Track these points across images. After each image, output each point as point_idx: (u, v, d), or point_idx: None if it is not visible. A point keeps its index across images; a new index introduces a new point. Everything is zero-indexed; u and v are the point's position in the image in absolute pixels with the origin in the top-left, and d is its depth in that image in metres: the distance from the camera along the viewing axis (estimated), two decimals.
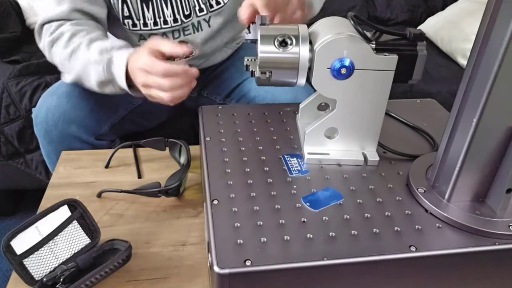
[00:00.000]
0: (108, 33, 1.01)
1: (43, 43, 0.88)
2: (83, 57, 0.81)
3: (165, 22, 0.95)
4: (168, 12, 0.94)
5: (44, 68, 1.40)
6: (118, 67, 0.76)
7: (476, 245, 0.47)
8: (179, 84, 0.70)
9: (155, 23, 0.94)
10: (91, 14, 0.88)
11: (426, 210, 0.52)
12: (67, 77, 0.89)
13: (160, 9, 0.93)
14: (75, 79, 0.86)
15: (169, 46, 0.70)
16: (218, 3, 0.97)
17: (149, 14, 0.93)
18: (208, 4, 0.97)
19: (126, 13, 0.91)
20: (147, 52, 0.71)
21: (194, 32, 0.99)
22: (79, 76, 0.84)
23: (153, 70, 0.69)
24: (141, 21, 0.93)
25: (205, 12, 0.97)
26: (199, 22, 0.98)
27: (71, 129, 0.89)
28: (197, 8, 0.96)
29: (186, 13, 0.95)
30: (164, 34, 0.97)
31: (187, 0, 0.94)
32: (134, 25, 0.93)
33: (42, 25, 0.87)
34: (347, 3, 1.94)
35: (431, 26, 1.85)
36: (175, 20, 0.95)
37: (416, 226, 0.49)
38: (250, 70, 0.57)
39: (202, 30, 0.99)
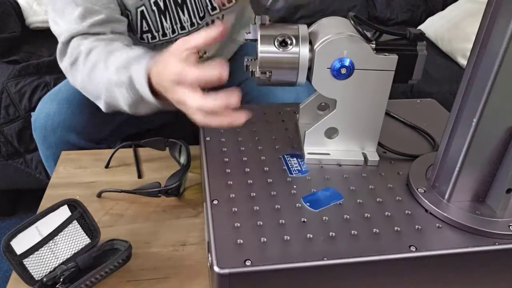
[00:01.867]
0: None
1: (65, 65, 0.79)
2: (103, 78, 0.71)
3: (182, 27, 0.94)
4: (185, 18, 0.93)
5: (43, 68, 1.40)
6: (140, 83, 0.66)
7: (476, 245, 0.47)
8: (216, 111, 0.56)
9: (173, 31, 0.94)
10: (113, 30, 0.81)
11: (426, 210, 0.52)
12: (100, 105, 0.77)
13: (177, 17, 0.93)
14: (106, 104, 0.75)
15: (200, 37, 0.57)
16: (230, 1, 0.98)
17: (167, 24, 0.92)
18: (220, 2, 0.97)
19: (145, 28, 0.90)
20: (174, 58, 0.59)
21: None
22: (107, 102, 0.74)
23: (186, 79, 0.57)
24: (160, 32, 0.92)
25: (218, 10, 0.97)
26: (212, 20, 0.98)
27: (70, 137, 0.89)
28: (209, 7, 0.96)
29: (201, 14, 0.95)
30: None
31: (200, 1, 0.94)
32: (153, 37, 0.93)
33: (68, 42, 0.78)
34: (347, 3, 1.94)
35: (431, 26, 1.85)
36: (192, 24, 0.95)
37: (416, 226, 0.49)
38: (250, 70, 0.57)
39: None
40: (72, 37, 0.78)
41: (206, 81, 0.55)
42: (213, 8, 0.97)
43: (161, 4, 0.90)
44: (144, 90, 0.65)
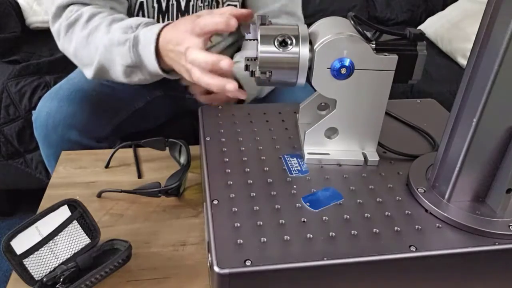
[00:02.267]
0: None
1: (58, 27, 0.78)
2: (104, 39, 0.70)
3: None
4: None
5: (43, 68, 1.40)
6: (145, 46, 0.65)
7: (476, 245, 0.47)
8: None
9: None
10: (112, 7, 0.81)
11: (426, 210, 0.52)
12: (87, 71, 0.77)
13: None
14: (97, 69, 0.74)
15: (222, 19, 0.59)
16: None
17: None
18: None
19: None
20: (190, 29, 0.61)
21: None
22: (101, 64, 0.72)
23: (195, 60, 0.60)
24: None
25: None
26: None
27: (71, 134, 0.89)
28: None
29: None
30: None
31: (201, 9, 0.94)
32: None
33: (65, 7, 0.77)
34: (347, 3, 1.94)
35: (431, 26, 1.85)
36: None
37: (416, 226, 0.49)
38: (250, 70, 0.57)
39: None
40: (71, 3, 0.77)
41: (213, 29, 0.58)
42: None
43: (164, 4, 0.89)
44: (148, 54, 0.64)
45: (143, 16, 0.88)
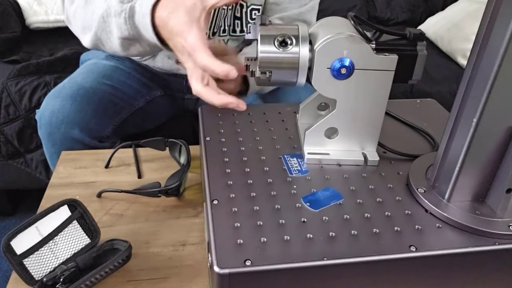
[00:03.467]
0: None
1: None
2: (101, 7, 0.67)
3: None
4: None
5: (43, 68, 1.40)
6: (142, 17, 0.61)
7: (476, 245, 0.47)
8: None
9: None
10: None
11: (426, 210, 0.52)
12: (85, 38, 0.74)
13: None
14: (94, 39, 0.71)
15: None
16: (242, 31, 0.97)
17: None
18: (231, 28, 0.96)
19: None
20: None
21: None
22: (98, 35, 0.69)
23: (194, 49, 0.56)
24: None
25: (226, 34, 0.97)
26: (219, 41, 0.98)
27: (74, 132, 0.89)
28: (221, 28, 0.96)
29: (214, 30, 0.95)
30: None
31: (218, 20, 0.93)
32: None
33: None
34: (347, 3, 1.94)
35: (431, 26, 1.85)
36: None
37: (416, 226, 0.49)
38: (250, 70, 0.57)
39: None
40: None
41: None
42: (224, 31, 0.97)
43: None
44: (144, 24, 0.61)
45: None
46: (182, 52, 0.59)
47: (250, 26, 0.58)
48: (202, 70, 0.58)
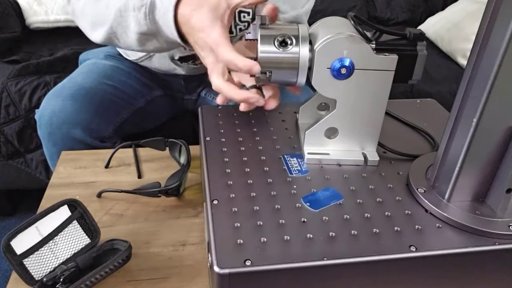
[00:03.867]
0: None
1: None
2: (118, 1, 0.65)
3: None
4: None
5: (43, 68, 1.40)
6: (164, 11, 0.61)
7: (476, 245, 0.47)
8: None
9: None
10: None
11: (426, 210, 0.52)
12: (96, 33, 0.71)
13: None
14: (108, 33, 0.69)
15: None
16: (230, 32, 0.96)
17: None
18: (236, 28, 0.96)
19: None
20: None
21: None
22: (113, 30, 0.68)
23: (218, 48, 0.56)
24: None
25: (234, 34, 0.97)
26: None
27: (75, 132, 0.89)
28: (232, 28, 0.95)
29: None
30: None
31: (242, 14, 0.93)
32: None
33: None
34: (347, 3, 1.94)
35: (431, 26, 1.85)
36: None
37: (416, 226, 0.49)
38: None
39: None
40: None
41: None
42: (231, 32, 0.97)
43: None
44: (166, 21, 0.60)
45: None
46: (203, 48, 0.59)
47: (250, 26, 0.58)
48: (225, 65, 0.58)
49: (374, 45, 0.53)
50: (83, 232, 0.61)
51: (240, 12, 0.94)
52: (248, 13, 0.95)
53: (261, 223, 0.49)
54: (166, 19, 0.61)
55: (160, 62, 1.02)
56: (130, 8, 0.64)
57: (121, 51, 1.10)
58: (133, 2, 0.64)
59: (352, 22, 0.55)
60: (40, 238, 0.57)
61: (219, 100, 0.64)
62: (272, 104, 0.62)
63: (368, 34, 0.55)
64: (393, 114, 0.70)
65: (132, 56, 1.06)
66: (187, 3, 0.60)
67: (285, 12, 0.93)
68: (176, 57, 0.99)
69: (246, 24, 0.96)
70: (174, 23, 0.61)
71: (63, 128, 0.89)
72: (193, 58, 1.00)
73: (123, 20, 0.66)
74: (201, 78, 1.09)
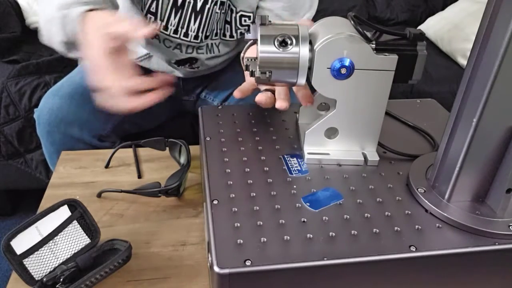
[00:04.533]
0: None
1: None
2: (46, 10, 0.72)
3: (186, 35, 0.94)
4: (194, 27, 0.92)
5: (43, 68, 1.40)
6: (74, 25, 0.66)
7: (476, 245, 0.47)
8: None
9: (175, 31, 0.93)
10: None
11: (426, 210, 0.52)
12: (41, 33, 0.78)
13: (186, 21, 0.91)
14: (46, 39, 0.76)
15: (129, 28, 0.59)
16: (231, 36, 0.98)
17: (174, 21, 0.91)
18: (222, 32, 0.97)
19: (153, 9, 0.88)
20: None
21: (206, 53, 1.00)
22: (47, 35, 0.75)
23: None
24: (163, 23, 0.90)
25: (217, 37, 0.98)
26: (212, 44, 0.99)
27: (74, 131, 0.89)
28: (214, 31, 0.96)
29: (208, 34, 0.95)
30: (178, 45, 0.97)
31: (211, 22, 0.94)
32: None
33: None
34: (347, 3, 1.94)
35: (431, 26, 1.85)
36: (196, 37, 0.94)
37: (416, 226, 0.49)
38: (250, 70, 0.58)
39: (213, 53, 1.01)
40: None
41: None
42: (216, 34, 0.97)
43: (179, 0, 0.88)
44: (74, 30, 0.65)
45: (156, 4, 0.87)
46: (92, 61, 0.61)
47: (250, 26, 0.58)
48: (116, 36, 0.59)
49: (374, 45, 0.53)
50: (83, 232, 0.61)
51: (241, 16, 0.95)
52: (249, 17, 0.95)
53: (261, 223, 0.49)
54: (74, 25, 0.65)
55: (158, 63, 1.02)
56: (54, 18, 0.69)
57: None
58: (53, 13, 0.68)
59: (352, 22, 0.55)
60: (40, 238, 0.57)
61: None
62: (282, 104, 0.64)
63: (368, 34, 0.55)
64: (393, 114, 0.70)
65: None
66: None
67: (286, 20, 0.94)
68: (173, 61, 1.00)
69: (247, 27, 0.96)
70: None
71: (61, 126, 0.89)
72: (190, 62, 1.01)
73: (50, 29, 0.71)
74: (199, 80, 1.10)
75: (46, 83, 1.35)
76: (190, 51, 0.98)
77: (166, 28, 0.84)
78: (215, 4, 0.90)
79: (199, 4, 0.89)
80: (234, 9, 0.94)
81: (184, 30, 0.93)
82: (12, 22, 1.61)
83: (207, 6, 0.90)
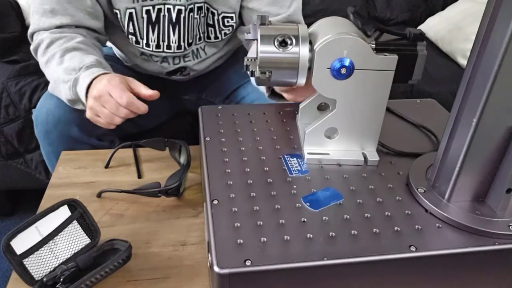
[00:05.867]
0: (109, 43, 1.02)
1: (31, 49, 0.90)
2: (54, 72, 0.82)
3: (168, 47, 0.95)
4: (174, 38, 0.94)
5: None
6: (82, 88, 0.76)
7: (476, 245, 0.47)
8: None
9: (158, 46, 0.94)
10: (86, 27, 0.88)
11: (426, 210, 0.52)
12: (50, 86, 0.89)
13: (166, 34, 0.93)
14: (51, 90, 0.87)
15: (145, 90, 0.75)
16: (216, 37, 0.99)
17: (153, 36, 0.93)
18: (205, 35, 0.98)
19: (131, 30, 0.91)
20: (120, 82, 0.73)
21: (193, 59, 1.01)
22: (53, 89, 0.85)
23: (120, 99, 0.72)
24: (144, 41, 0.93)
25: (201, 41, 0.98)
26: (197, 49, 1.00)
27: (72, 130, 0.89)
28: (197, 36, 0.97)
29: (190, 41, 0.96)
30: (164, 58, 0.98)
31: (191, 29, 0.94)
32: (137, 42, 0.94)
33: (31, 35, 0.89)
34: (347, 3, 1.94)
35: (431, 26, 1.85)
36: (179, 47, 0.95)
37: (416, 226, 0.49)
38: (250, 70, 0.57)
39: (200, 57, 1.02)
40: (33, 32, 0.88)
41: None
42: (199, 38, 0.98)
43: (153, 15, 0.90)
44: (83, 95, 0.76)
45: (133, 25, 0.90)
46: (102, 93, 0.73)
47: (250, 26, 0.58)
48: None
49: (374, 45, 0.53)
50: (83, 232, 0.61)
51: (224, 17, 0.95)
52: (232, 18, 0.96)
53: (261, 223, 0.49)
54: (82, 91, 0.77)
55: (157, 65, 1.02)
56: (61, 80, 0.80)
57: (117, 54, 1.11)
58: (62, 76, 0.80)
59: (352, 17, 0.55)
60: (40, 238, 0.57)
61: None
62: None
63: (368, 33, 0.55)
64: (394, 110, 0.70)
65: (128, 62, 1.07)
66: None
67: (277, 14, 0.93)
68: (163, 74, 1.01)
69: (230, 28, 0.97)
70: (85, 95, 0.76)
71: (59, 126, 0.89)
72: (180, 71, 1.02)
73: (57, 88, 0.83)
74: (198, 81, 1.10)
75: (46, 83, 1.33)
76: (178, 62, 1.00)
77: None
78: (191, 11, 0.91)
79: (174, 16, 0.90)
80: (215, 11, 0.94)
81: (166, 43, 0.94)
82: (12, 22, 1.60)
83: (182, 16, 0.91)
